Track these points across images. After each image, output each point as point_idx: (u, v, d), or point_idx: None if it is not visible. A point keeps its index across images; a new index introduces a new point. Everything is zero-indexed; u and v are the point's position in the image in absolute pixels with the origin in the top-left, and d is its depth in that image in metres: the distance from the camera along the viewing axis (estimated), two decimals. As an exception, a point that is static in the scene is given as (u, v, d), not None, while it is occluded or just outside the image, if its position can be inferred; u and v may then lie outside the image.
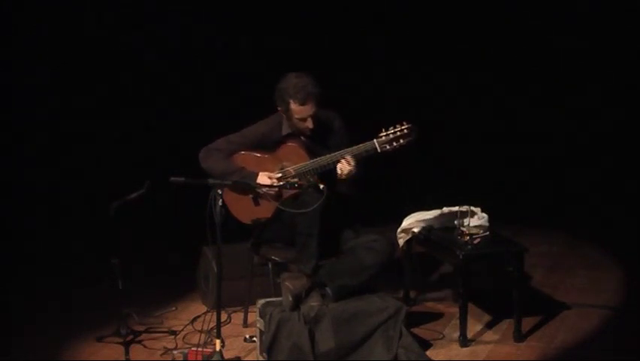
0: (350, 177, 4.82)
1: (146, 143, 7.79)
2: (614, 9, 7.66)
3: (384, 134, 4.85)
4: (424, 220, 5.39)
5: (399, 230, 5.48)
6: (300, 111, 4.85)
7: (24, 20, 7.48)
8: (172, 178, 4.56)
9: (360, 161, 4.84)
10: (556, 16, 7.89)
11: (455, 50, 8.19)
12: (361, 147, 4.84)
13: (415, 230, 5.40)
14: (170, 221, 7.27)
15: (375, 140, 4.84)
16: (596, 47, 7.83)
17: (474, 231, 5.15)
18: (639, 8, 7.51)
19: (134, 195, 4.94)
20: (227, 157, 4.95)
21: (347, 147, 4.85)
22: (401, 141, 4.84)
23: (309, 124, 4.88)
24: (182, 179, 4.55)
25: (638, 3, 7.50)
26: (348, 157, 4.80)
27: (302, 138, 4.95)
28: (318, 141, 4.96)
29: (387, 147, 4.84)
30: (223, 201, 4.58)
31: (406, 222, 5.46)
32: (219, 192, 4.54)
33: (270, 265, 5.07)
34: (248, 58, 8.00)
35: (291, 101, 4.84)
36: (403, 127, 4.85)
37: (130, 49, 7.73)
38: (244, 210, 4.96)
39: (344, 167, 4.80)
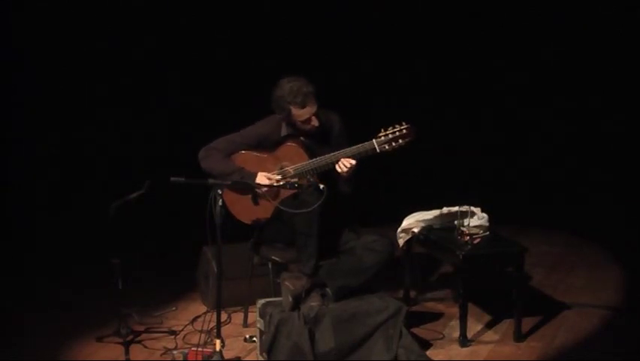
0: (350, 174, 4.82)
1: (146, 143, 7.79)
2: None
3: (384, 134, 4.83)
4: (424, 220, 5.39)
5: (399, 230, 5.48)
6: (303, 114, 4.85)
7: (25, 23, 7.50)
8: (172, 178, 4.56)
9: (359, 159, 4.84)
10: (552, 19, 7.92)
11: (455, 49, 8.20)
12: (360, 147, 4.83)
13: (415, 230, 5.40)
14: (170, 221, 7.27)
15: (374, 140, 4.83)
16: (593, 46, 7.84)
17: (474, 231, 5.15)
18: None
19: (134, 195, 4.94)
20: (226, 157, 4.95)
21: (346, 147, 4.85)
22: (400, 141, 4.83)
23: (315, 122, 4.88)
24: (182, 179, 4.56)
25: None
26: (346, 157, 4.81)
27: (302, 138, 4.95)
28: (318, 141, 4.96)
29: (387, 147, 4.82)
30: (223, 201, 4.58)
31: (406, 222, 5.46)
32: (219, 192, 4.54)
33: (270, 265, 5.07)
34: (247, 58, 8.00)
35: (292, 107, 4.83)
36: (402, 127, 4.83)
37: (130, 49, 7.73)
38: (244, 209, 4.96)
39: (345, 164, 4.80)
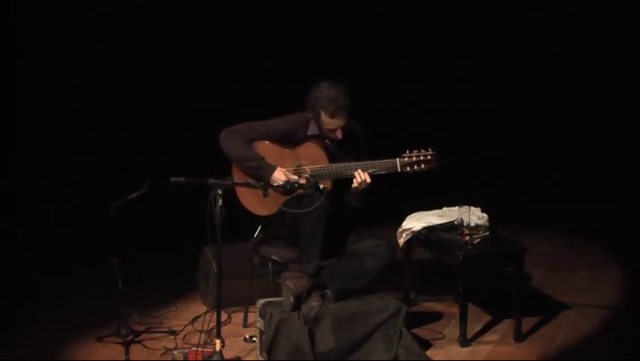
0: (362, 189, 4.80)
1: (145, 143, 7.79)
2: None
3: (408, 155, 4.79)
4: (424, 220, 5.39)
5: (399, 230, 5.48)
6: (330, 123, 4.81)
7: (25, 23, 7.50)
8: (172, 178, 4.55)
9: (376, 176, 4.80)
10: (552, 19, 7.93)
11: (456, 50, 8.21)
12: (382, 163, 4.79)
13: (415, 230, 5.40)
14: (170, 221, 7.27)
15: (397, 159, 4.79)
16: (595, 47, 7.85)
17: (474, 231, 5.15)
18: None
19: (134, 195, 4.94)
20: (248, 143, 4.90)
21: (364, 160, 4.82)
22: (422, 166, 4.79)
23: (338, 134, 4.84)
24: (182, 179, 4.55)
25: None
26: (366, 170, 4.77)
27: (326, 140, 4.92)
28: (342, 148, 4.92)
29: (408, 168, 4.79)
30: (224, 200, 4.57)
31: (406, 222, 5.47)
32: (219, 192, 4.54)
33: (270, 265, 5.07)
34: (247, 58, 8.00)
35: (322, 112, 4.80)
36: (427, 152, 4.80)
37: (130, 49, 7.73)
38: (253, 200, 4.93)
39: (361, 178, 4.77)
